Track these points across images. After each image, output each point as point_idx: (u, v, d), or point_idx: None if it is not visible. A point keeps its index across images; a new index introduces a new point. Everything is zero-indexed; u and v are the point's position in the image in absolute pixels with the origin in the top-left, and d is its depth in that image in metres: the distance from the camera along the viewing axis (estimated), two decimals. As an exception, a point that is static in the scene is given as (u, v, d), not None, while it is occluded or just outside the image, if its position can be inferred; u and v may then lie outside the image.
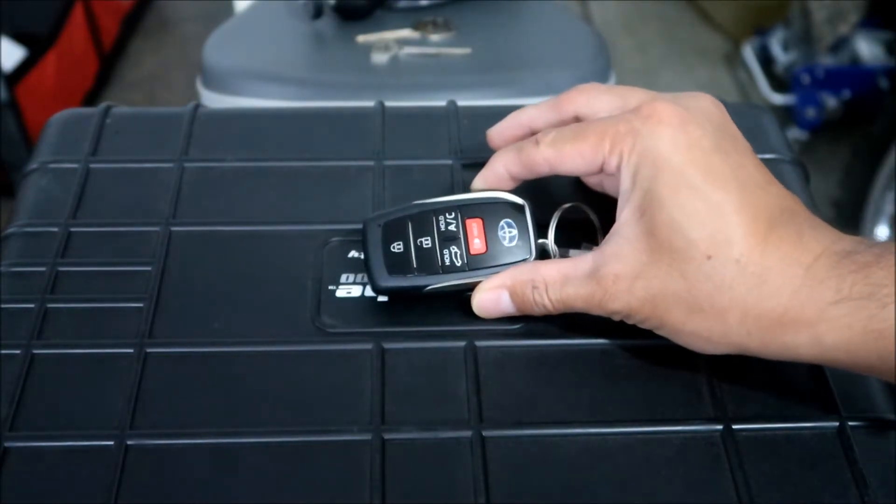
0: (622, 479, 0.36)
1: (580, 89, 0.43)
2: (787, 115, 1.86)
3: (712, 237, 0.36)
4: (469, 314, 0.42)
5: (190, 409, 0.38)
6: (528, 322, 0.42)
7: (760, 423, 0.38)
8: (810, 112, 1.83)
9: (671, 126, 0.37)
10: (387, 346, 0.41)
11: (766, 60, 1.97)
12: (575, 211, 0.44)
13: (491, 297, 0.41)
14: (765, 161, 0.50)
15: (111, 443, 0.37)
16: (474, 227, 0.42)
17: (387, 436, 0.37)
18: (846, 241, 0.36)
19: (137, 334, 0.41)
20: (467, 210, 0.42)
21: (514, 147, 0.42)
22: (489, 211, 0.42)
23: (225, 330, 0.41)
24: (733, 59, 2.09)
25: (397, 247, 0.42)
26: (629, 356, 0.41)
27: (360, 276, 0.44)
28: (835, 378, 0.40)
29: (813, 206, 0.48)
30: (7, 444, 0.37)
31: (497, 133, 0.45)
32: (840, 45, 1.86)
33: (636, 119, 0.38)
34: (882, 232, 1.54)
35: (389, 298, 0.43)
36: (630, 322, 0.39)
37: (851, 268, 0.34)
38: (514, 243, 0.42)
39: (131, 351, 0.40)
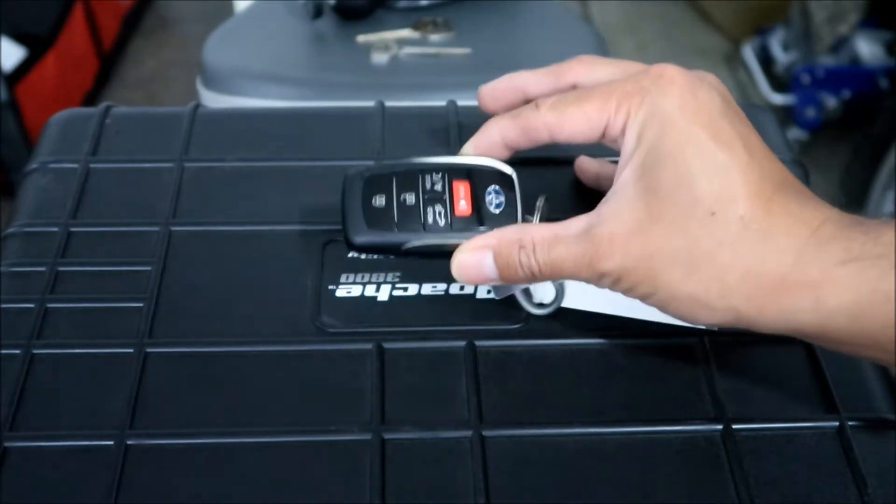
0: (622, 479, 0.36)
1: (581, 59, 0.41)
2: (787, 115, 1.86)
3: (718, 193, 0.35)
4: (469, 314, 0.42)
5: (190, 409, 0.38)
6: (527, 322, 0.42)
7: (760, 423, 0.38)
8: (810, 112, 1.83)
9: (681, 87, 0.37)
10: (387, 346, 0.41)
11: (766, 60, 1.97)
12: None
13: (473, 259, 0.39)
14: (765, 161, 0.50)
15: (111, 443, 0.37)
16: (461, 188, 0.40)
17: (387, 436, 0.37)
18: (853, 216, 0.35)
19: (137, 334, 0.41)
20: (455, 172, 0.41)
21: (510, 113, 0.41)
22: (478, 175, 0.41)
23: (225, 330, 0.41)
24: (733, 59, 2.09)
25: (379, 201, 0.40)
26: (629, 356, 0.41)
27: (360, 275, 0.44)
28: (835, 378, 0.40)
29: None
30: (7, 444, 0.37)
31: (489, 91, 0.43)
32: (840, 45, 1.86)
33: (645, 78, 0.37)
34: (882, 232, 1.54)
35: (366, 254, 0.41)
36: (619, 288, 0.37)
37: (861, 230, 0.33)
38: (500, 210, 0.40)
39: (131, 351, 0.40)
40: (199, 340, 0.41)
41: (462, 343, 0.41)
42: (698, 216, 0.35)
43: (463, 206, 0.40)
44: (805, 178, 0.50)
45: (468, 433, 0.37)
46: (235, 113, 0.63)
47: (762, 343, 0.41)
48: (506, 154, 0.41)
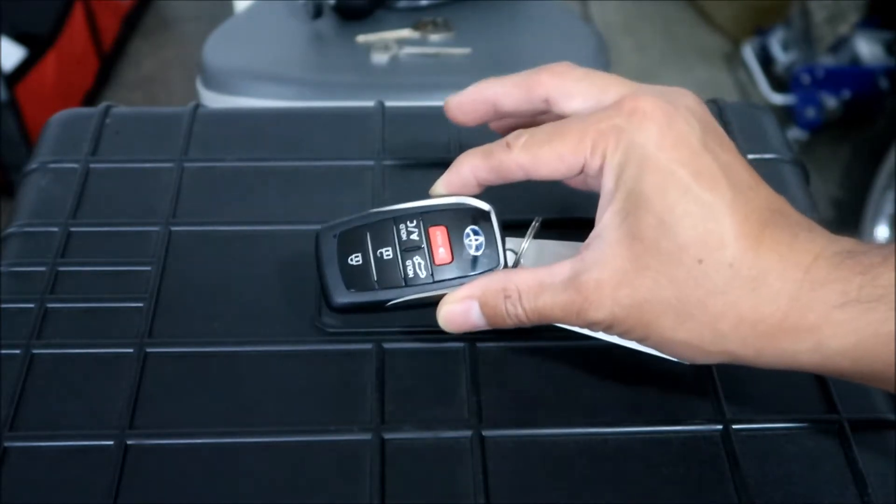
0: (622, 479, 0.36)
1: (551, 70, 0.39)
2: (787, 115, 1.86)
3: (703, 240, 0.33)
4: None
5: (190, 409, 0.38)
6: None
7: (760, 423, 0.38)
8: (810, 112, 1.83)
9: (657, 122, 0.35)
10: (387, 346, 0.41)
11: (766, 60, 1.97)
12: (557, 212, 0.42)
13: (459, 310, 0.38)
14: (765, 161, 0.50)
15: (111, 443, 0.37)
16: (438, 235, 0.39)
17: (387, 436, 0.37)
18: (844, 242, 0.34)
19: (137, 334, 0.41)
20: (430, 217, 0.39)
21: (481, 150, 0.39)
22: (453, 218, 0.39)
23: (225, 330, 0.41)
24: (733, 59, 2.09)
25: (355, 259, 0.39)
26: (629, 356, 0.40)
27: (360, 276, 0.44)
28: (835, 378, 0.40)
29: (813, 206, 0.48)
30: (7, 444, 0.37)
31: (456, 104, 0.41)
32: (840, 45, 1.86)
33: (619, 115, 0.35)
34: (882, 232, 1.54)
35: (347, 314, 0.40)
36: (612, 334, 0.36)
37: (857, 269, 0.32)
38: (480, 251, 0.39)
39: (131, 351, 0.40)
40: (199, 340, 0.41)
41: (462, 343, 0.41)
42: (685, 264, 0.34)
43: (442, 253, 0.38)
44: (805, 178, 0.50)
45: (468, 433, 0.37)
46: (235, 113, 0.63)
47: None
48: (479, 190, 0.40)
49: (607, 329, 0.36)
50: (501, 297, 0.37)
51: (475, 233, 0.39)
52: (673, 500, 0.36)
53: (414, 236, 0.39)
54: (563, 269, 0.36)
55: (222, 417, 0.38)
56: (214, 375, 0.39)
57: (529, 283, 0.36)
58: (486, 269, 0.38)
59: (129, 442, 0.37)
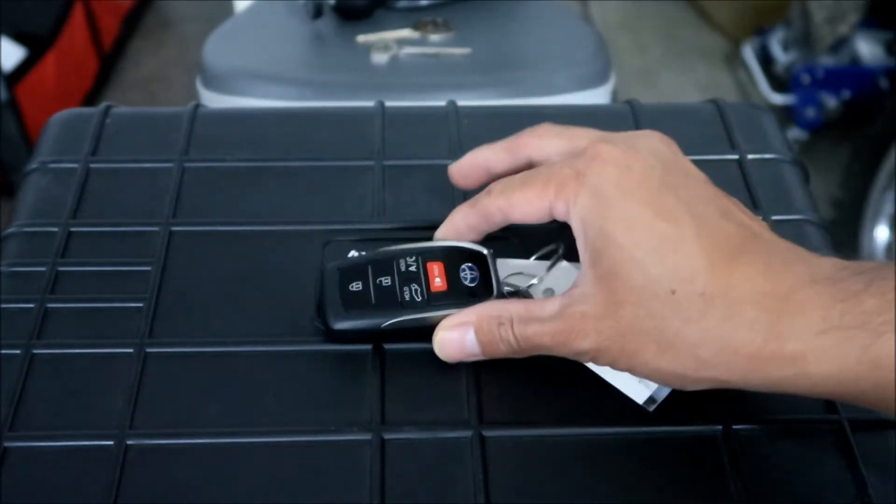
0: (622, 479, 0.36)
1: (532, 132, 0.42)
2: (787, 115, 1.86)
3: (673, 272, 0.34)
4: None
5: (190, 409, 0.38)
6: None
7: (760, 423, 0.38)
8: (810, 112, 1.83)
9: (615, 164, 0.37)
10: (387, 346, 0.41)
11: (766, 60, 1.97)
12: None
13: (455, 336, 0.39)
14: (765, 161, 0.50)
15: (111, 443, 0.37)
16: (435, 268, 0.41)
17: (387, 436, 0.37)
18: (825, 266, 0.34)
19: (137, 334, 0.41)
20: (429, 254, 0.41)
21: (470, 200, 0.42)
22: (451, 255, 0.41)
23: (225, 330, 0.41)
24: (733, 59, 2.09)
25: (356, 286, 0.41)
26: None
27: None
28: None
29: (813, 206, 0.48)
30: (7, 444, 0.37)
31: (457, 171, 0.44)
32: (840, 45, 1.86)
33: (579, 161, 0.38)
34: (882, 232, 1.54)
35: (346, 341, 0.41)
36: (600, 363, 0.37)
37: (839, 297, 0.32)
38: (475, 284, 0.40)
39: (131, 351, 0.40)
40: (199, 340, 0.41)
41: (462, 343, 0.41)
42: (660, 295, 0.34)
43: (438, 282, 0.40)
44: (805, 178, 0.50)
45: (468, 433, 0.37)
46: (235, 113, 0.63)
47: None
48: (475, 237, 0.42)
49: (594, 359, 0.37)
50: (496, 324, 0.38)
51: (470, 269, 0.41)
52: (673, 500, 0.36)
53: (412, 268, 0.41)
54: (553, 303, 0.38)
55: (222, 417, 0.38)
56: (214, 375, 0.39)
57: (521, 311, 0.38)
58: (480, 298, 0.40)
59: (129, 442, 0.37)
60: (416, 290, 0.40)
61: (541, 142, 0.42)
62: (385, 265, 0.41)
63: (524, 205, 0.39)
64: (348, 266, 0.41)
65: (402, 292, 0.40)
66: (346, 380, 0.39)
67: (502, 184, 0.40)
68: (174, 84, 1.99)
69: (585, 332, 0.36)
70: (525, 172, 0.40)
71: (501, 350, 0.38)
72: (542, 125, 0.42)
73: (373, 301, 0.40)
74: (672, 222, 0.35)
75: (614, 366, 0.37)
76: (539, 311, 0.38)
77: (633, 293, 0.35)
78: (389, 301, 0.40)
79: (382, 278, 0.41)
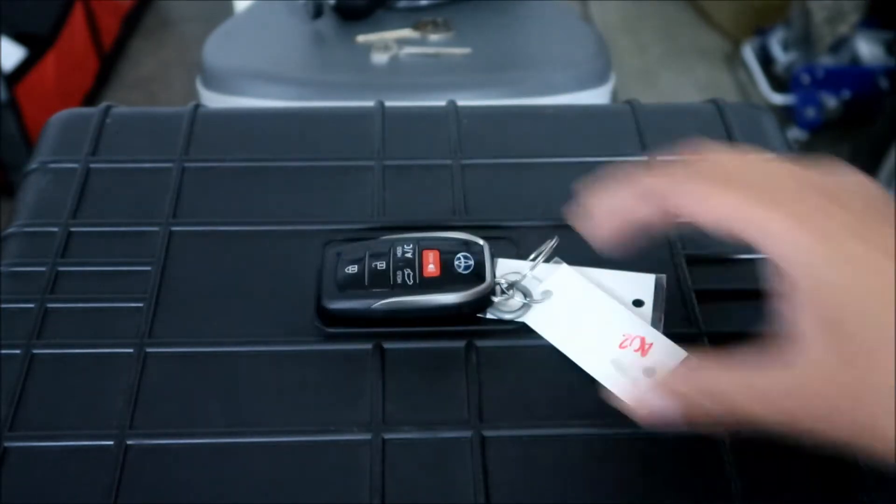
0: (622, 479, 0.36)
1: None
2: (787, 115, 1.86)
3: None
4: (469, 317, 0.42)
5: (190, 409, 0.38)
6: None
7: (760, 423, 0.38)
8: (810, 112, 1.83)
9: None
10: (387, 346, 0.41)
11: (766, 60, 1.97)
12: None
13: (659, 404, 0.34)
14: (765, 161, 0.50)
15: (111, 443, 0.37)
16: (430, 255, 0.42)
17: (387, 436, 0.37)
18: None
19: (137, 334, 0.41)
20: (426, 242, 0.42)
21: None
22: (447, 244, 0.42)
23: (225, 330, 0.41)
24: (733, 59, 2.09)
25: (351, 269, 0.42)
26: (629, 356, 0.40)
27: (360, 276, 0.44)
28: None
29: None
30: (7, 444, 0.37)
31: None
32: (840, 45, 1.86)
33: None
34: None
35: (339, 324, 0.41)
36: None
37: None
38: (469, 272, 0.41)
39: (131, 351, 0.40)
40: (199, 340, 0.41)
41: (462, 343, 0.41)
42: None
43: (431, 268, 0.41)
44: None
45: (468, 433, 0.37)
46: (235, 113, 0.63)
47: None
48: (624, 226, 0.36)
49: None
50: (709, 399, 0.34)
51: (465, 258, 0.41)
52: (673, 500, 0.36)
53: (408, 254, 0.41)
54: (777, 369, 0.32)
55: (222, 417, 0.38)
56: (214, 375, 0.39)
57: (738, 382, 0.33)
58: (472, 286, 0.41)
59: (129, 442, 0.37)
60: (408, 274, 0.41)
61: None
62: (382, 251, 0.42)
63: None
64: (347, 251, 0.43)
65: (394, 276, 0.41)
66: (346, 380, 0.39)
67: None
68: (174, 84, 1.99)
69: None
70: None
71: (706, 423, 0.34)
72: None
73: (366, 283, 0.41)
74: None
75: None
76: (761, 379, 0.32)
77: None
78: (382, 284, 0.41)
79: (378, 262, 0.41)
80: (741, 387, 0.33)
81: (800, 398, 0.32)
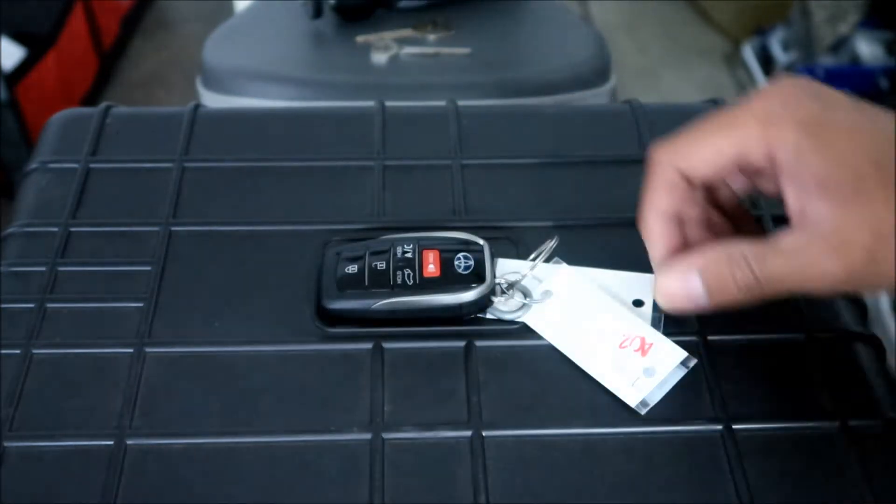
0: (622, 479, 0.36)
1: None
2: (787, 115, 1.86)
3: None
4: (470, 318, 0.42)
5: (190, 409, 0.38)
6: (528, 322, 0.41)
7: (760, 423, 0.38)
8: (810, 112, 1.83)
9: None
10: (387, 346, 0.41)
11: (766, 60, 1.97)
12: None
13: (678, 284, 0.35)
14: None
15: (111, 443, 0.37)
16: (430, 255, 0.42)
17: (387, 436, 0.37)
18: None
19: (137, 334, 0.41)
20: (426, 242, 0.42)
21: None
22: (447, 244, 0.42)
23: (225, 330, 0.41)
24: (733, 59, 2.09)
25: (351, 269, 0.42)
26: (629, 356, 0.40)
27: (360, 276, 0.44)
28: (835, 378, 0.40)
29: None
30: (7, 444, 0.37)
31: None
32: (840, 45, 1.86)
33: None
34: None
35: (339, 323, 0.41)
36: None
37: None
38: (469, 272, 0.41)
39: (131, 351, 0.40)
40: (199, 340, 0.41)
41: (462, 343, 0.41)
42: None
43: (431, 269, 0.41)
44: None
45: (468, 433, 0.37)
46: (235, 113, 0.63)
47: (762, 343, 0.41)
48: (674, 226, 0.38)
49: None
50: (726, 264, 0.34)
51: (465, 258, 0.41)
52: (673, 500, 0.36)
53: (408, 254, 0.41)
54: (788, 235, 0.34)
55: (222, 417, 0.38)
56: (214, 375, 0.39)
57: (755, 247, 0.34)
58: (472, 285, 0.41)
59: (129, 442, 0.37)
60: (408, 274, 0.41)
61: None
62: (382, 251, 0.42)
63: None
64: (347, 251, 0.43)
65: (394, 276, 0.41)
66: (346, 380, 0.39)
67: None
68: (174, 84, 1.99)
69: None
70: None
71: (734, 294, 0.34)
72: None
73: (366, 283, 0.41)
74: None
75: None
76: (774, 241, 0.34)
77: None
78: (382, 284, 0.41)
79: (378, 262, 0.41)
80: (756, 246, 0.34)
81: (815, 248, 0.33)
